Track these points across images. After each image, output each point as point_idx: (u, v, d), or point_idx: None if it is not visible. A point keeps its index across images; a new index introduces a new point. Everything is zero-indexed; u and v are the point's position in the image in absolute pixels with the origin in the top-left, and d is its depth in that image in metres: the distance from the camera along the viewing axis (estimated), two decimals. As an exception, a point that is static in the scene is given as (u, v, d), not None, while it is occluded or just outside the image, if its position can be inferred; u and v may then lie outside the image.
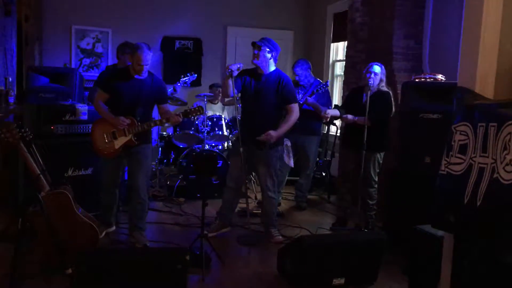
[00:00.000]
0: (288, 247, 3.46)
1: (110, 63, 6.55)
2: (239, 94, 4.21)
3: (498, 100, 2.13)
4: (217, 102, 6.27)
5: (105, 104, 3.86)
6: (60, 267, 3.02)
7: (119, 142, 3.80)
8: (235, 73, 3.98)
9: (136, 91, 3.79)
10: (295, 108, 4.12)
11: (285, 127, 4.08)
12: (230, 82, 3.96)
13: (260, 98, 4.06)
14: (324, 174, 5.95)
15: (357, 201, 4.35)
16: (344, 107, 4.51)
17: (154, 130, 6.05)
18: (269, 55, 4.02)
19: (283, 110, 4.16)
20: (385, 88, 4.31)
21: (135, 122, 3.78)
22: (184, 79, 5.10)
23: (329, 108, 4.97)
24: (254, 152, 4.11)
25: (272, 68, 4.10)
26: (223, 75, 4.22)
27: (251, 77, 4.10)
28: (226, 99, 4.30)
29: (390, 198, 4.03)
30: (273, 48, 4.04)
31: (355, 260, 3.22)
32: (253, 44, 4.04)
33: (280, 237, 4.20)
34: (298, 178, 5.43)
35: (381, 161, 4.36)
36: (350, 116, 4.30)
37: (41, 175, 3.26)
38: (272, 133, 3.99)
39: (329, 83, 5.20)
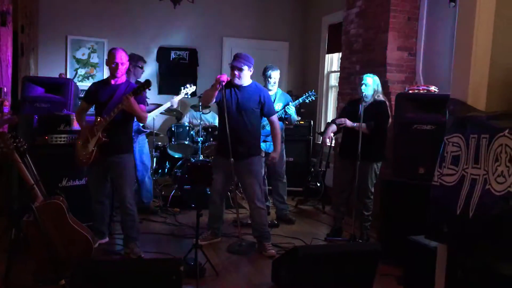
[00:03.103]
0: (283, 258, 3.45)
1: (105, 73, 6.56)
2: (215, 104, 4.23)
3: (490, 112, 2.16)
4: (209, 112, 6.35)
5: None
6: (54, 278, 3.00)
7: (92, 143, 3.80)
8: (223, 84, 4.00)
9: (110, 95, 3.84)
10: (276, 119, 4.29)
11: (279, 142, 4.28)
12: (217, 94, 4.02)
13: (243, 109, 4.10)
14: (319, 184, 5.96)
15: (352, 212, 4.36)
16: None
17: (150, 141, 6.07)
18: (249, 72, 4.11)
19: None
20: (381, 98, 4.35)
21: (101, 120, 3.79)
22: (185, 90, 5.06)
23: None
24: (238, 163, 4.07)
25: (250, 80, 4.17)
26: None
27: (231, 89, 4.10)
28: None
29: (384, 209, 4.04)
30: (251, 64, 4.10)
31: (349, 271, 3.22)
32: (234, 67, 4.03)
33: (273, 250, 4.13)
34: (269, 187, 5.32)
35: (378, 172, 4.37)
36: (349, 122, 4.33)
37: (35, 186, 3.26)
38: (274, 155, 4.27)
39: (314, 92, 5.19)
